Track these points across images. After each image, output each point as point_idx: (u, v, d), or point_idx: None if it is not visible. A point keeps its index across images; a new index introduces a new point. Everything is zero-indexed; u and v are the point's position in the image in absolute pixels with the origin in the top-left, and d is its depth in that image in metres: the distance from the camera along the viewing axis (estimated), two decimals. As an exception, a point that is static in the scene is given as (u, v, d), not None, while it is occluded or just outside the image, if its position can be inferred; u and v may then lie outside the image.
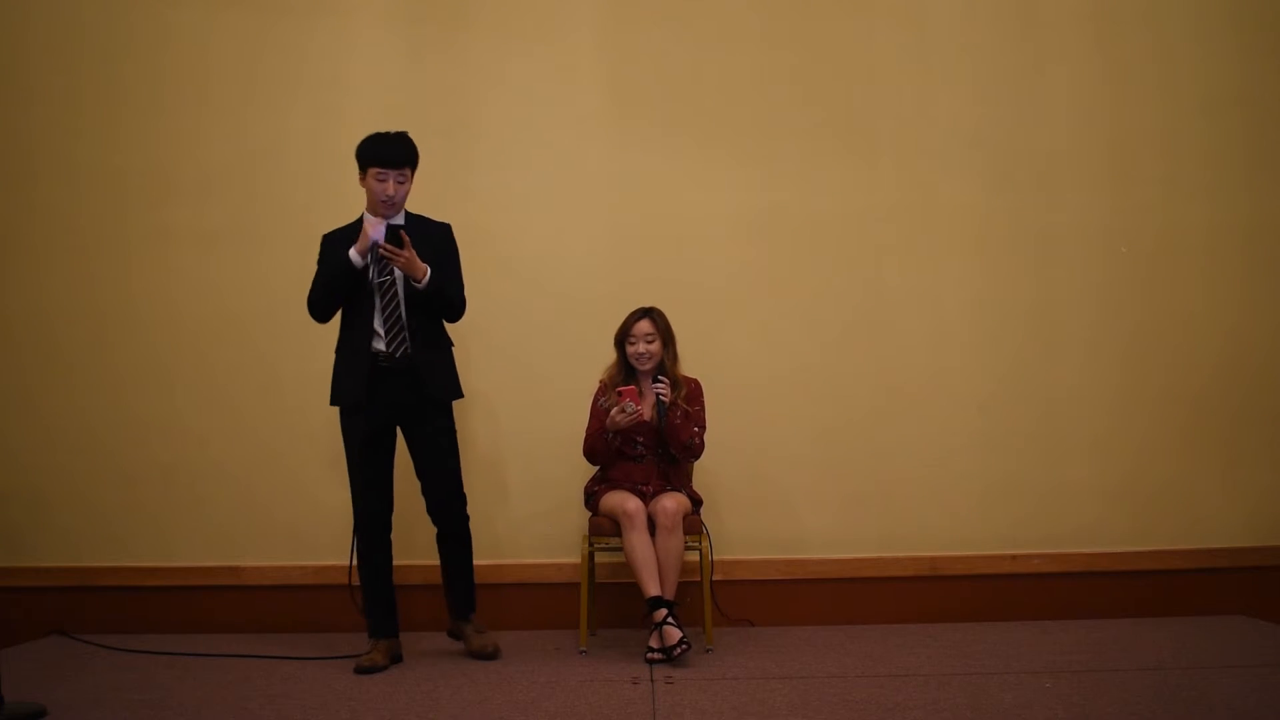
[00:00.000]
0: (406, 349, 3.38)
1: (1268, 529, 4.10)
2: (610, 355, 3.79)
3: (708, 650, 3.54)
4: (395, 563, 3.53)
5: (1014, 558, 4.06)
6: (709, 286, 4.12)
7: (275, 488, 4.05)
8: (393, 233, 3.33)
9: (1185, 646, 3.51)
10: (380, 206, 3.42)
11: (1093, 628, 3.83)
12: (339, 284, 3.39)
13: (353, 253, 3.36)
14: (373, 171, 3.40)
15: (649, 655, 3.40)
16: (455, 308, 3.51)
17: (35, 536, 4.03)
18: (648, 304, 3.76)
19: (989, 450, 4.11)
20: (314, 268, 3.49)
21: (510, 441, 4.09)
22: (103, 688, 3.18)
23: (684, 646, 3.34)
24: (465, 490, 3.55)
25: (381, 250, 3.31)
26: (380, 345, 3.38)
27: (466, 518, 3.56)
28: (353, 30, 4.15)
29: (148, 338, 4.08)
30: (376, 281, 3.38)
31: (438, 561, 3.57)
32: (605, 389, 3.74)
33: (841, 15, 4.19)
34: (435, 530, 3.54)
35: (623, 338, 3.73)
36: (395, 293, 3.39)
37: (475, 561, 3.94)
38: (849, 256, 4.16)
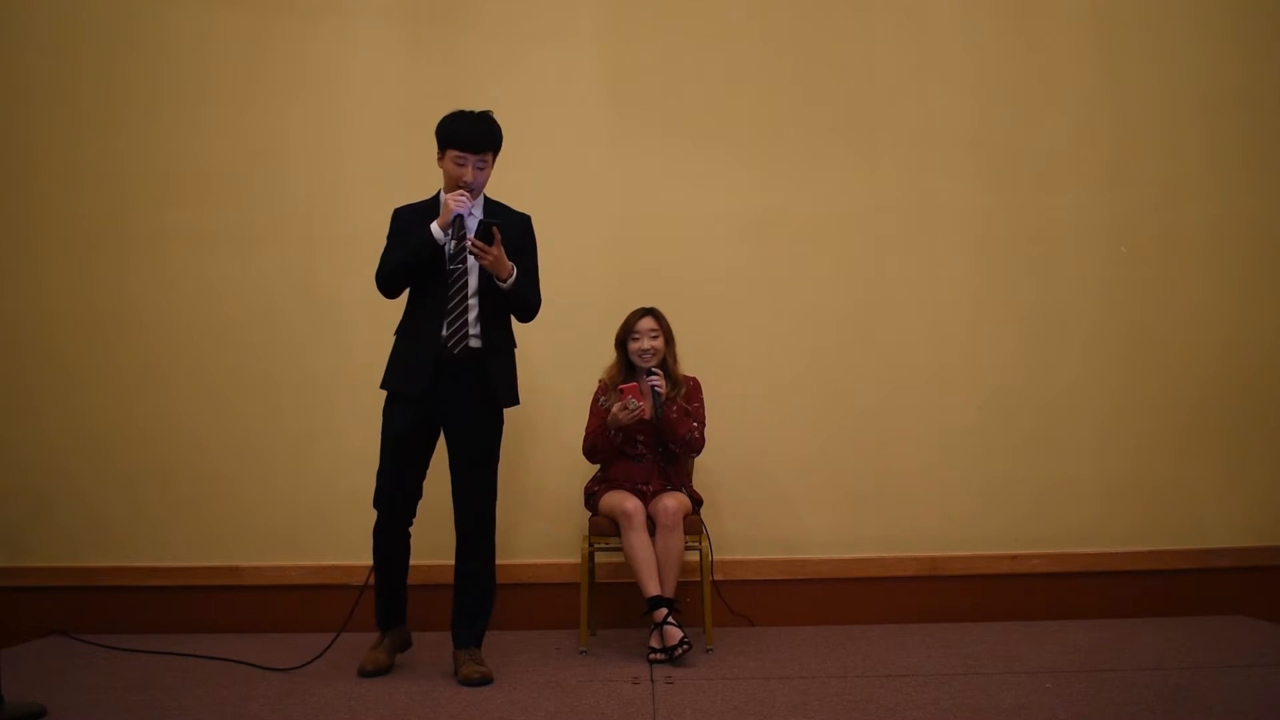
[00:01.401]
0: (466, 344, 3.19)
1: (1268, 529, 4.10)
2: (610, 355, 3.79)
3: (708, 650, 3.54)
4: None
5: (1014, 558, 4.06)
6: (708, 287, 4.12)
7: (274, 488, 4.05)
8: (484, 228, 3.10)
9: (1185, 646, 3.51)
10: (457, 193, 3.20)
11: (1093, 628, 3.83)
12: (419, 259, 3.16)
13: (434, 227, 3.15)
14: (452, 154, 3.19)
15: (651, 655, 3.40)
16: (531, 307, 3.34)
17: (35, 537, 4.03)
18: (648, 304, 3.77)
19: (989, 450, 4.11)
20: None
21: (509, 441, 4.05)
22: (103, 688, 3.18)
23: (685, 647, 3.34)
24: (439, 502, 3.35)
25: (471, 247, 3.10)
26: (442, 335, 3.19)
27: (493, 546, 3.33)
28: (353, 30, 4.15)
29: (147, 338, 4.07)
30: (448, 269, 3.19)
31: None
32: (605, 389, 3.74)
33: (841, 15, 4.19)
34: (456, 551, 3.31)
35: (625, 336, 3.73)
36: (465, 283, 3.21)
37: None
38: (849, 257, 4.16)
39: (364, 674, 3.28)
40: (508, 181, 4.10)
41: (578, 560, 3.72)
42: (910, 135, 4.18)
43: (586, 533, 3.70)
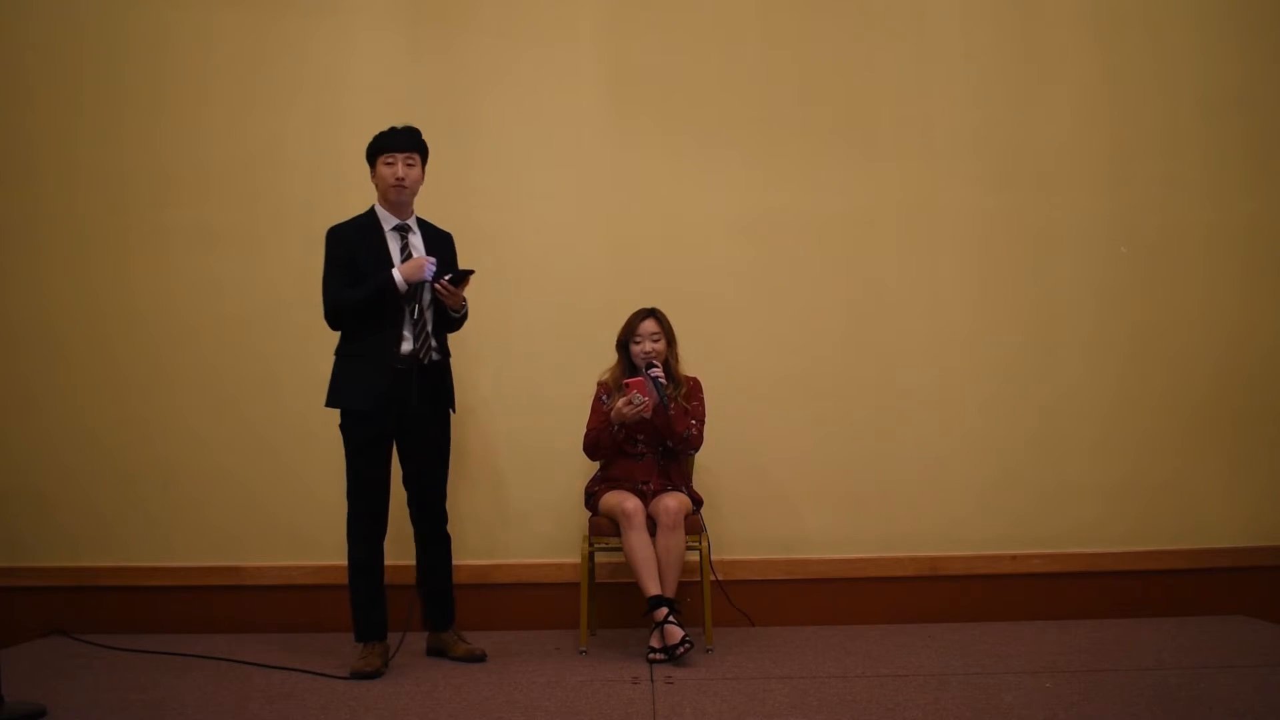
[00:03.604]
0: (433, 355, 3.39)
1: (1268, 529, 4.10)
2: (610, 355, 3.79)
3: (708, 650, 3.54)
4: (397, 563, 3.52)
5: (1014, 558, 4.06)
6: (709, 287, 4.12)
7: (275, 487, 4.05)
8: (459, 274, 3.32)
9: (1185, 646, 3.51)
10: (391, 191, 3.39)
11: (1093, 628, 3.83)
12: (380, 304, 3.33)
13: (399, 275, 3.31)
14: (381, 158, 3.39)
15: (650, 655, 3.40)
16: (463, 321, 3.55)
17: (35, 536, 4.03)
18: (648, 304, 3.77)
19: (989, 450, 4.11)
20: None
21: (510, 442, 4.09)
22: (103, 688, 3.18)
23: (686, 646, 3.34)
24: (458, 493, 3.54)
25: (439, 289, 3.30)
26: (404, 349, 3.35)
27: (446, 514, 3.56)
28: (353, 30, 4.15)
29: (148, 337, 4.07)
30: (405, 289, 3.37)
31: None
32: (608, 389, 3.74)
33: (842, 16, 4.19)
34: (416, 534, 3.53)
35: (627, 337, 3.73)
36: (421, 300, 3.37)
37: (476, 562, 3.97)
38: (849, 257, 4.16)
39: (359, 676, 3.27)
40: (508, 181, 4.12)
41: (578, 560, 3.71)
42: (911, 135, 4.18)
43: (586, 533, 3.69)
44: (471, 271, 3.35)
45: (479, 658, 3.46)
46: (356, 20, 4.15)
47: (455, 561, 3.61)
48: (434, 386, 3.41)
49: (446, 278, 3.32)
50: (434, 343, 3.40)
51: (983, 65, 4.19)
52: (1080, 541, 4.08)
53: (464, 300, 3.41)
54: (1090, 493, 4.10)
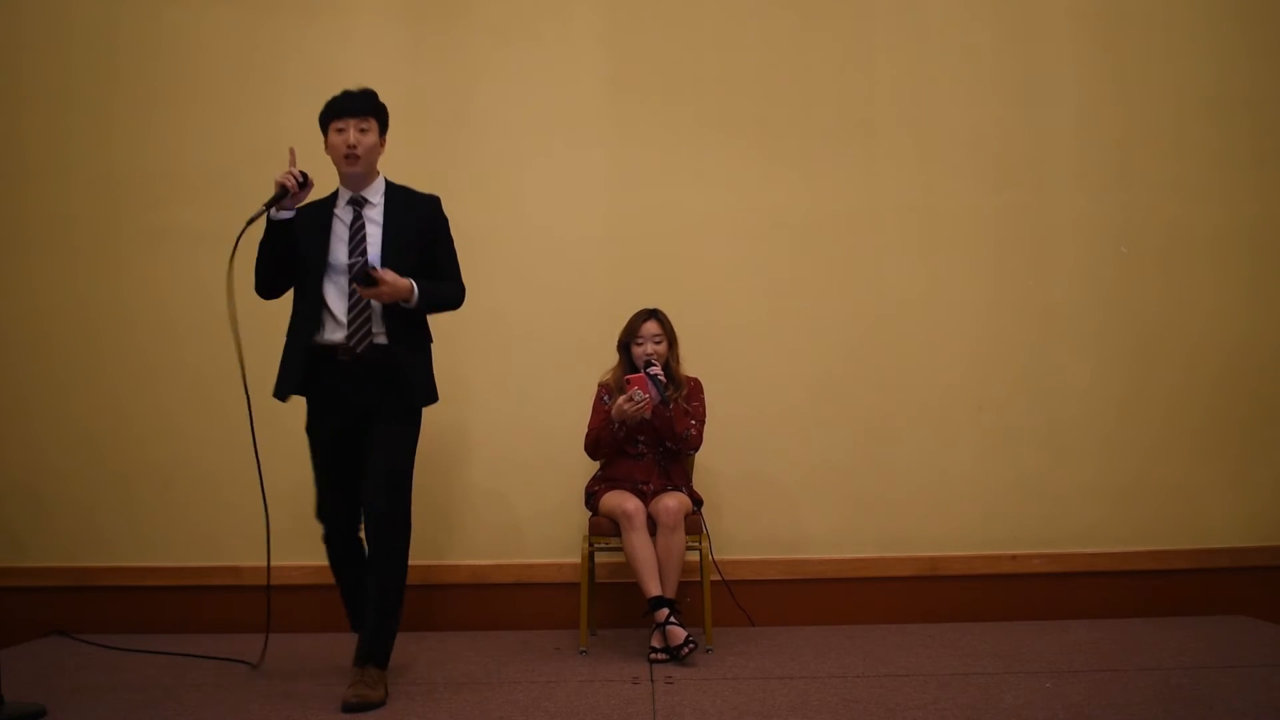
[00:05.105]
0: (371, 341, 3.01)
1: (1269, 529, 4.10)
2: (611, 355, 3.79)
3: (708, 650, 3.54)
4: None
5: (1014, 558, 4.05)
6: (709, 286, 4.11)
7: (274, 487, 4.00)
8: (362, 273, 2.94)
9: (1186, 647, 3.50)
10: (343, 162, 3.05)
11: (1093, 628, 3.82)
12: (265, 244, 3.01)
13: (273, 210, 2.95)
14: (332, 127, 3.05)
15: (653, 655, 3.39)
16: (452, 303, 3.19)
17: (35, 537, 4.03)
18: (648, 304, 3.76)
19: (990, 451, 4.11)
20: None
21: (510, 441, 4.09)
22: (103, 688, 3.18)
23: (690, 646, 3.34)
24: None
25: (359, 291, 2.96)
26: (339, 336, 3.01)
27: (404, 547, 3.06)
28: (350, 27, 4.14)
29: (143, 338, 4.07)
30: (347, 263, 3.01)
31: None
32: (609, 389, 3.73)
33: (842, 15, 4.19)
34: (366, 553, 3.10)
35: (629, 339, 3.72)
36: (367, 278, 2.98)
37: (476, 562, 3.93)
38: (851, 257, 4.15)
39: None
40: (507, 179, 4.12)
41: (578, 560, 3.71)
42: (913, 135, 4.17)
43: (586, 533, 3.69)
44: (370, 266, 2.94)
45: (355, 707, 2.83)
46: (354, 17, 4.14)
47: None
48: (384, 377, 3.03)
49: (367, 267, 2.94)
50: (378, 327, 3.01)
51: (984, 65, 4.19)
52: (1081, 542, 4.07)
53: (409, 287, 2.98)
54: (1092, 494, 4.09)
